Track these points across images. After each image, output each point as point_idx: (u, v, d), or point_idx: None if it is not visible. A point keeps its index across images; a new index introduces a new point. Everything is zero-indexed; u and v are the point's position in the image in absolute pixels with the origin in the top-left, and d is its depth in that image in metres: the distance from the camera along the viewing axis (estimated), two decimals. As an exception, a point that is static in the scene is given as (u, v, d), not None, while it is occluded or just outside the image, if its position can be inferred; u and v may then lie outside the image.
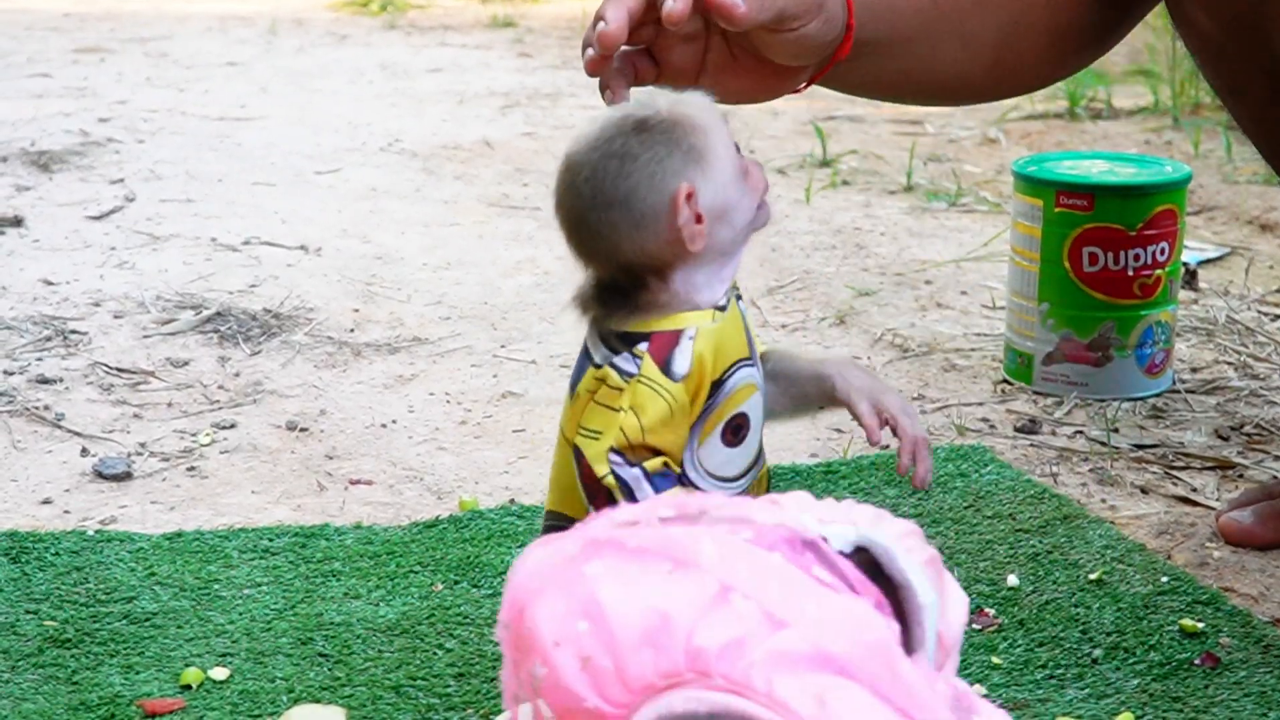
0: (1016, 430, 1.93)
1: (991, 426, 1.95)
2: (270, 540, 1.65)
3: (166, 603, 1.53)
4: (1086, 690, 1.39)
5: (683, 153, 1.18)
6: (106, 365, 2.10)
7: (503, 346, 2.20)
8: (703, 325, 1.21)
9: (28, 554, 1.61)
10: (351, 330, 2.25)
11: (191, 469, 1.82)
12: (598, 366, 1.21)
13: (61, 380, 2.05)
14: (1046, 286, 2.01)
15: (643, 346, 1.19)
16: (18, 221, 2.64)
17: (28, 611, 1.51)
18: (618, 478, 1.20)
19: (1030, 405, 2.01)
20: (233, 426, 1.93)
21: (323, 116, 3.40)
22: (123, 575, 1.57)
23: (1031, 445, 1.89)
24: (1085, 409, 1.99)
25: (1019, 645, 1.46)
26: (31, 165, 2.98)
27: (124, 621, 1.49)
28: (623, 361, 1.20)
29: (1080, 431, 1.93)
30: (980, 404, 2.01)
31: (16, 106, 3.46)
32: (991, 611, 1.51)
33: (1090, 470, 1.83)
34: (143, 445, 1.88)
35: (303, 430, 1.93)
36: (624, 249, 1.18)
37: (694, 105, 1.22)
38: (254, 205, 2.79)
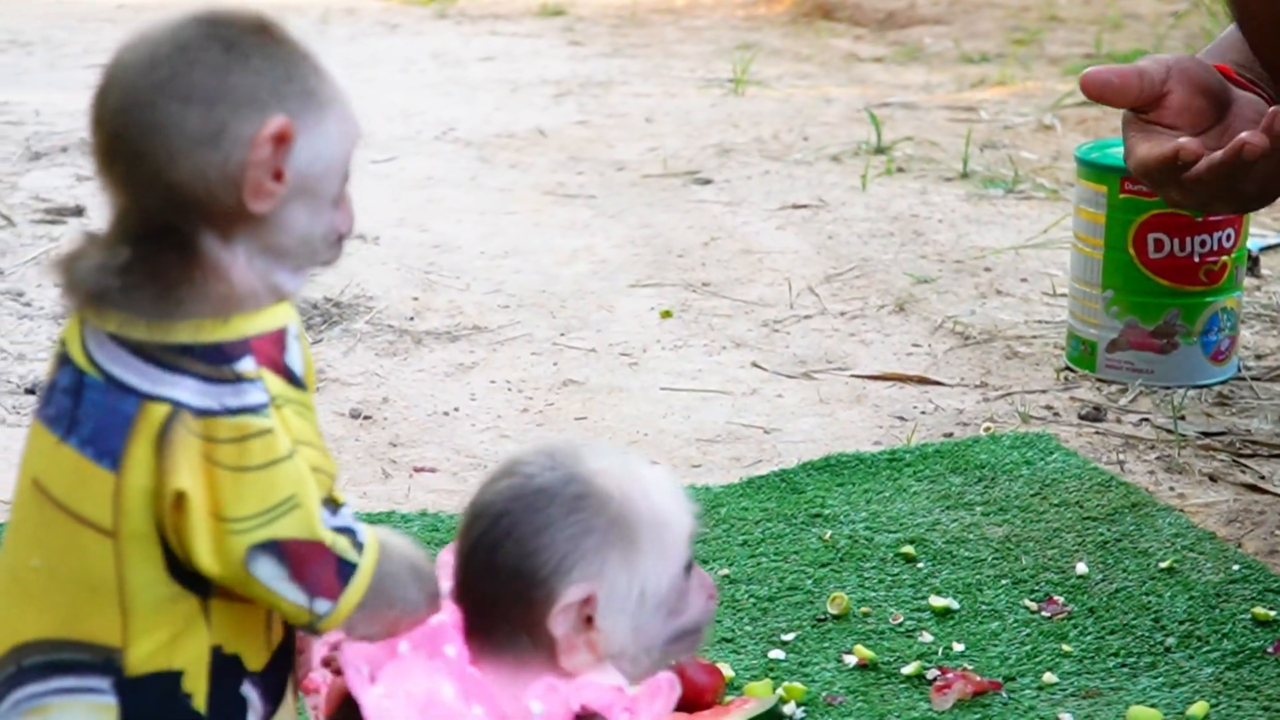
0: (1081, 418, 1.92)
1: (1056, 414, 1.94)
2: (337, 527, 1.65)
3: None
4: (1160, 679, 1.38)
5: (301, 91, 0.89)
6: (170, 353, 2.11)
7: (562, 334, 2.20)
8: (296, 320, 0.91)
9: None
10: (411, 318, 2.26)
11: (257, 456, 1.83)
12: (199, 414, 0.86)
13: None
14: (1110, 273, 2.00)
15: (248, 363, 0.87)
16: (79, 211, 2.66)
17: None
18: (343, 531, 0.90)
19: (1094, 393, 1.99)
20: (296, 414, 1.94)
21: (376, 105, 3.41)
22: (193, 562, 1.58)
23: (1097, 433, 1.88)
24: (1150, 396, 1.98)
25: (1089, 633, 1.45)
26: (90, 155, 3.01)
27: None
28: (235, 395, 0.86)
29: (1146, 419, 1.92)
30: (1044, 391, 2.00)
31: (74, 97, 3.49)
32: (1061, 599, 1.51)
33: (1157, 458, 1.82)
34: (208, 433, 1.89)
35: (366, 418, 1.94)
36: (180, 164, 0.87)
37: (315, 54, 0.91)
38: (311, 194, 2.81)
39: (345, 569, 0.89)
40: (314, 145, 0.89)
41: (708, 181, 2.88)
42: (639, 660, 1.01)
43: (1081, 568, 1.56)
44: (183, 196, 0.87)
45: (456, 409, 1.97)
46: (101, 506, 0.86)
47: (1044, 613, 1.49)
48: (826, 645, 1.44)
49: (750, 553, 1.60)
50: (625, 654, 1.00)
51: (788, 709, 1.35)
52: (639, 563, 0.99)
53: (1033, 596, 1.51)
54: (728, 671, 1.38)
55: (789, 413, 1.95)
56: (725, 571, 1.56)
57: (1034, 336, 2.18)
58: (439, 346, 2.16)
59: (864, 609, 1.49)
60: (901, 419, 1.93)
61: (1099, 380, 2.02)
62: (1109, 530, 1.63)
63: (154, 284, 0.87)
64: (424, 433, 1.90)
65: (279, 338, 0.89)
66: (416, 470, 1.81)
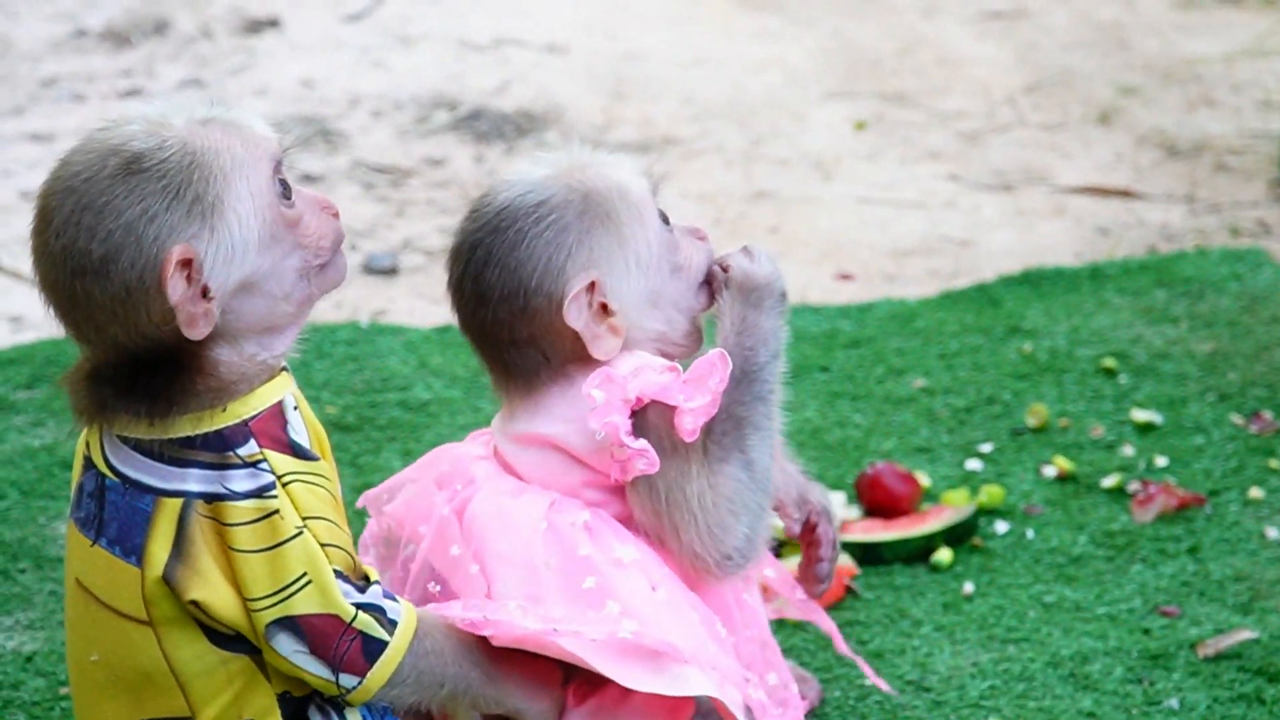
0: (1294, 232, 1.86)
1: (1267, 229, 1.87)
2: (535, 334, 1.68)
3: (439, 392, 1.57)
4: (1373, 497, 1.35)
5: (185, 205, 0.88)
6: (367, 163, 2.14)
7: (754, 145, 2.18)
8: (292, 389, 0.93)
9: (306, 343, 1.67)
10: (602, 129, 2.25)
11: (454, 264, 1.86)
12: (209, 500, 0.88)
13: (325, 178, 2.10)
14: (1331, 81, 1.91)
15: (250, 446, 0.89)
16: (274, 23, 2.69)
17: (309, 399, 1.56)
18: (370, 608, 0.90)
19: (1309, 206, 1.92)
20: (491, 223, 1.96)
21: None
22: (396, 365, 1.62)
23: (1310, 247, 1.82)
24: (1369, 210, 1.90)
25: (1299, 450, 1.42)
26: (283, -33, 3.03)
27: (400, 409, 1.54)
28: (240, 480, 0.89)
29: (1363, 233, 1.85)
30: (1255, 205, 1.94)
31: (264, -91, 3.50)
32: (1269, 415, 1.47)
33: (1374, 274, 1.75)
34: (407, 241, 1.92)
35: (560, 227, 1.95)
36: (110, 329, 0.88)
37: (227, 130, 0.90)
38: (500, 4, 2.79)
39: (373, 646, 0.92)
40: (221, 246, 0.89)
41: (902, -11, 2.80)
42: (676, 324, 1.02)
43: (1292, 384, 1.52)
44: (132, 349, 0.90)
45: (649, 219, 1.97)
46: (134, 599, 0.91)
47: (1252, 428, 1.46)
48: (1025, 456, 1.43)
49: (947, 364, 1.58)
50: (654, 326, 1.02)
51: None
52: (622, 234, 1.01)
53: (1240, 412, 1.48)
54: (924, 480, 1.38)
55: (986, 225, 1.92)
56: (921, 382, 1.55)
57: (1245, 148, 2.10)
58: (630, 157, 2.16)
59: (1063, 421, 1.48)
60: (1104, 232, 1.88)
61: (1314, 193, 1.95)
62: (1322, 346, 1.58)
63: (147, 389, 0.89)
64: (617, 242, 1.91)
65: (276, 413, 0.92)
66: (610, 279, 1.82)
